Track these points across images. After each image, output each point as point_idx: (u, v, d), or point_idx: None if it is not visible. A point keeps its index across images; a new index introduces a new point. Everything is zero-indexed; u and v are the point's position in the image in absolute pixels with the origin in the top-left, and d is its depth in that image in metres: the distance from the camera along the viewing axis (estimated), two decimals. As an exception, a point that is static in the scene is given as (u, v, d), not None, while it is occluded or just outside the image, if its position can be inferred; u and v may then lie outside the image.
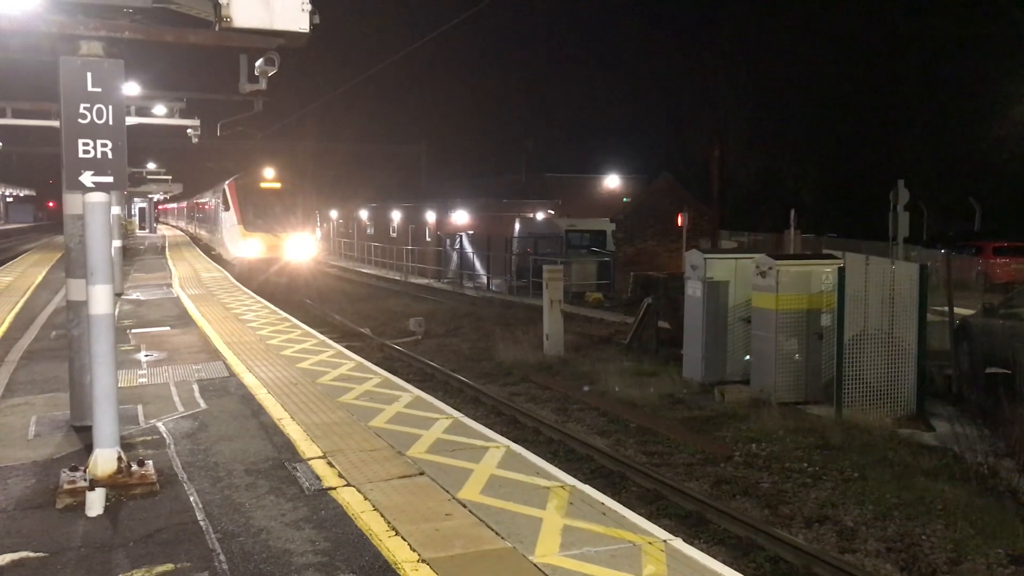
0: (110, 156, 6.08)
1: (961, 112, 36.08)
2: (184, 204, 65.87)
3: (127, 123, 7.05)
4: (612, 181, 54.29)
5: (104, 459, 6.17)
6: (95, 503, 5.80)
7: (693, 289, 14.76)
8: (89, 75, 5.99)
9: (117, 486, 6.10)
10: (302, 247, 27.80)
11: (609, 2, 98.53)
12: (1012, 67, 33.17)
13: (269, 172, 29.10)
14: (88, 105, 5.99)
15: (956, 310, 14.24)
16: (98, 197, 6.19)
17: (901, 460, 10.31)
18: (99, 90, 6.01)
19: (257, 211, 28.18)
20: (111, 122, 6.07)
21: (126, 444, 7.00)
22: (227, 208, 29.20)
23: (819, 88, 41.83)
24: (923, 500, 9.01)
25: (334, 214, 58.94)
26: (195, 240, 47.02)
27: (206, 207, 41.70)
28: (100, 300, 6.20)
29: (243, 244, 27.48)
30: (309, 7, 6.30)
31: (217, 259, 31.87)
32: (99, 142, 6.04)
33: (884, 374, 12.33)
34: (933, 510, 8.77)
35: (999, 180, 35.87)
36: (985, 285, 26.14)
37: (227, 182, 30.27)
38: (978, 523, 8.41)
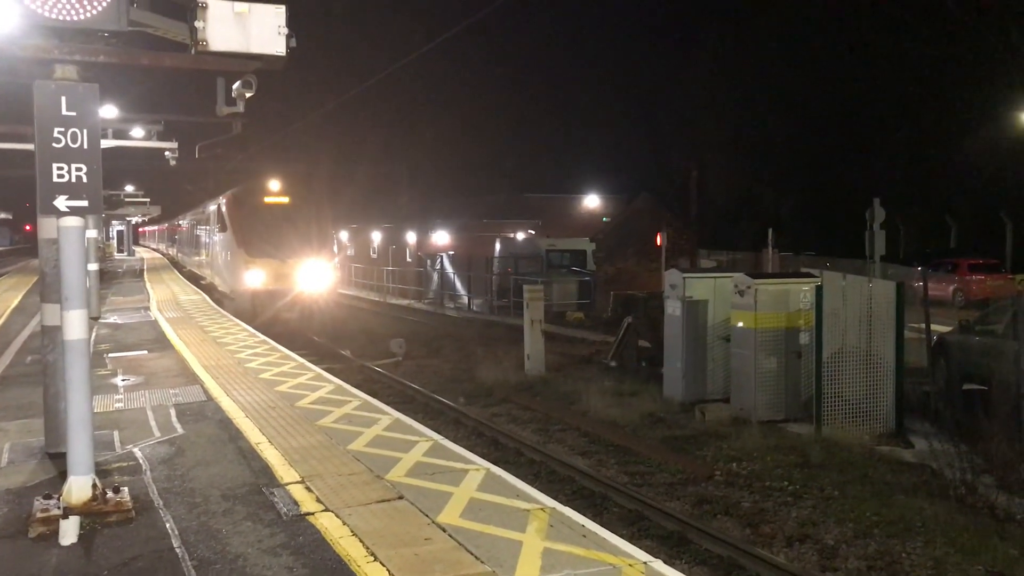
0: (85, 180, 6.03)
1: (936, 131, 36.54)
2: (166, 226, 60.45)
3: (104, 145, 7.03)
4: (592, 201, 54.55)
5: (78, 486, 6.09)
6: (69, 531, 5.71)
7: (673, 308, 14.81)
8: (63, 99, 5.96)
9: (92, 513, 6.01)
10: (317, 276, 22.89)
11: (589, 23, 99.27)
12: (984, 86, 33.66)
13: (275, 184, 23.87)
14: (62, 129, 5.95)
15: (933, 327, 14.36)
16: (73, 221, 6.13)
17: (881, 478, 10.35)
18: (74, 114, 5.97)
19: (262, 232, 22.98)
20: (86, 146, 6.03)
21: (102, 470, 6.91)
22: (223, 229, 24.25)
23: (797, 108, 42.27)
24: (903, 518, 9.03)
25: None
26: (178, 267, 41.63)
27: (193, 228, 34.95)
28: (75, 325, 6.14)
29: (245, 273, 22.38)
30: (286, 30, 6.31)
31: (209, 290, 26.96)
32: (74, 166, 5.99)
33: (862, 391, 12.40)
34: (913, 527, 8.80)
35: (974, 198, 36.33)
36: (961, 302, 26.41)
37: (222, 197, 25.26)
38: (957, 540, 8.44)
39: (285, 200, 23.75)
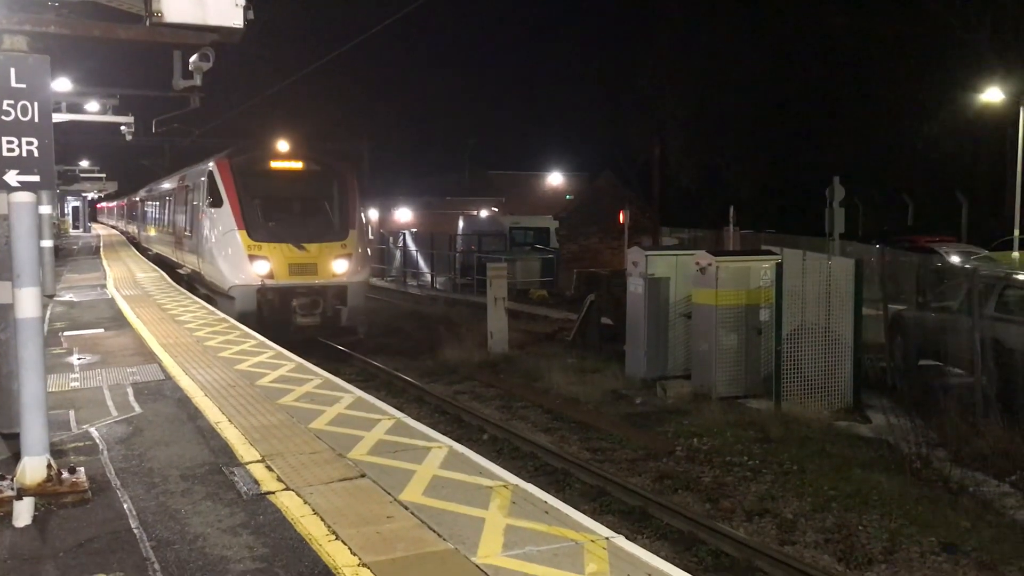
0: (36, 154, 5.87)
1: (894, 110, 36.97)
2: (129, 201, 51.43)
3: (57, 119, 6.86)
4: (555, 179, 54.60)
5: (32, 467, 5.98)
6: (23, 513, 5.61)
7: (635, 286, 14.87)
8: (12, 71, 5.78)
9: (47, 495, 5.91)
10: (345, 264, 17.93)
11: (551, 1, 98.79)
12: (942, 66, 34.09)
13: (283, 145, 18.80)
14: (12, 102, 5.78)
15: (890, 304, 14.57)
16: (24, 197, 5.99)
17: (838, 452, 10.52)
18: (23, 86, 5.80)
19: (269, 207, 18.28)
20: (37, 119, 5.87)
21: (57, 451, 6.80)
22: (215, 203, 18.42)
23: (757, 87, 42.51)
24: (860, 491, 9.19)
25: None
26: (142, 250, 34.87)
27: (166, 203, 27.78)
28: (27, 304, 6.00)
29: (246, 264, 17.39)
30: (243, 2, 6.16)
31: (190, 285, 21.43)
32: (24, 140, 5.83)
33: (821, 367, 12.57)
34: (869, 501, 8.96)
35: (931, 176, 36.86)
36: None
37: (212, 160, 19.37)
38: (912, 512, 8.62)
39: (298, 165, 18.75)
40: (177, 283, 21.83)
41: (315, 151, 19.85)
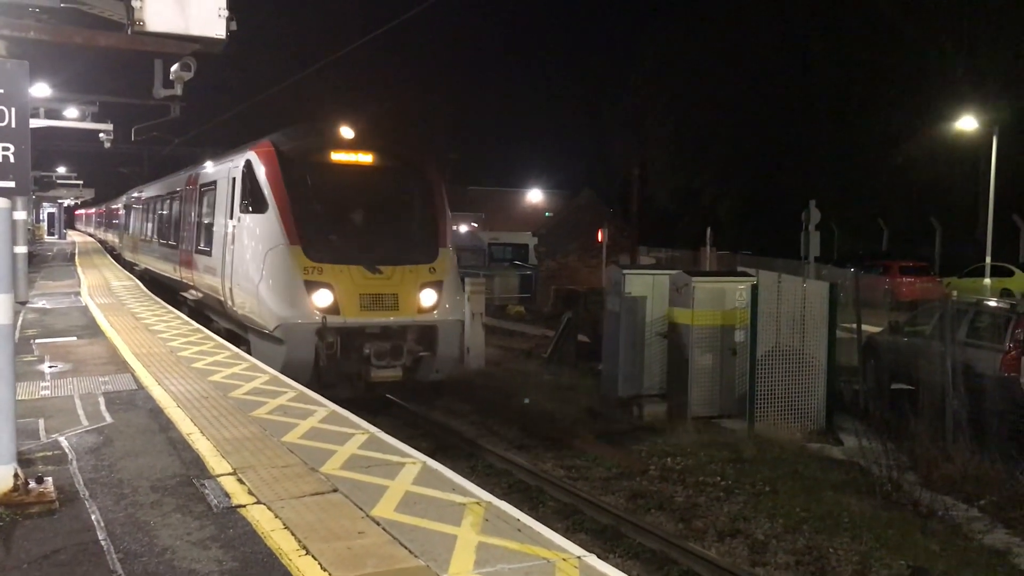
0: (12, 160, 5.82)
1: (870, 136, 37.46)
2: (109, 208, 45.93)
3: (35, 125, 6.82)
4: (535, 196, 54.83)
5: (-1, 476, 5.90)
6: (-12, 523, 5.53)
7: (612, 304, 14.92)
8: (-10, 76, 5.75)
9: (13, 505, 5.83)
10: (434, 296, 13.04)
11: (534, 19, 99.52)
12: (917, 93, 34.60)
13: (347, 131, 13.75)
14: (-11, 106, 5.74)
15: (864, 327, 14.70)
16: (-2, 203, 5.94)
17: (810, 474, 10.58)
18: (1, 91, 5.77)
19: (331, 215, 13.52)
20: (14, 125, 5.82)
21: (25, 460, 6.71)
22: (255, 206, 13.27)
23: (737, 109, 42.95)
24: (831, 513, 9.25)
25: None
26: (128, 266, 29.83)
27: (170, 209, 21.65)
28: (-2, 310, 5.94)
29: (301, 293, 12.44)
30: (226, 13, 6.16)
31: (200, 316, 16.90)
32: (0, 145, 5.79)
33: (795, 389, 12.66)
34: (840, 523, 9.02)
35: (906, 202, 37.33)
36: (891, 303, 27.11)
37: (250, 148, 14.06)
38: (882, 536, 8.68)
39: (368, 158, 13.71)
40: (176, 307, 18.32)
41: (391, 139, 14.52)
